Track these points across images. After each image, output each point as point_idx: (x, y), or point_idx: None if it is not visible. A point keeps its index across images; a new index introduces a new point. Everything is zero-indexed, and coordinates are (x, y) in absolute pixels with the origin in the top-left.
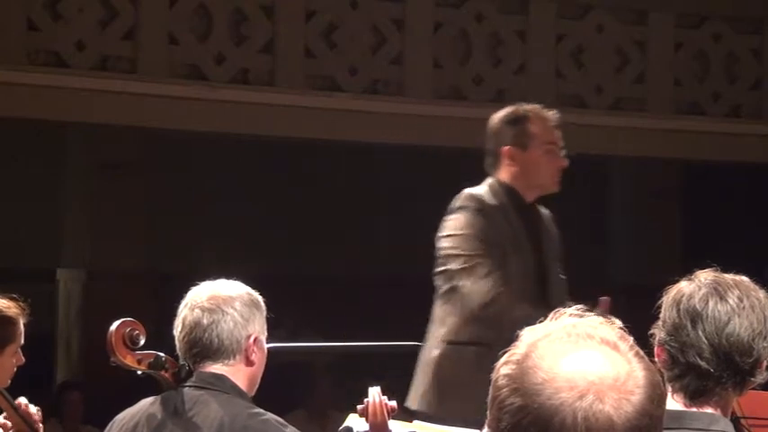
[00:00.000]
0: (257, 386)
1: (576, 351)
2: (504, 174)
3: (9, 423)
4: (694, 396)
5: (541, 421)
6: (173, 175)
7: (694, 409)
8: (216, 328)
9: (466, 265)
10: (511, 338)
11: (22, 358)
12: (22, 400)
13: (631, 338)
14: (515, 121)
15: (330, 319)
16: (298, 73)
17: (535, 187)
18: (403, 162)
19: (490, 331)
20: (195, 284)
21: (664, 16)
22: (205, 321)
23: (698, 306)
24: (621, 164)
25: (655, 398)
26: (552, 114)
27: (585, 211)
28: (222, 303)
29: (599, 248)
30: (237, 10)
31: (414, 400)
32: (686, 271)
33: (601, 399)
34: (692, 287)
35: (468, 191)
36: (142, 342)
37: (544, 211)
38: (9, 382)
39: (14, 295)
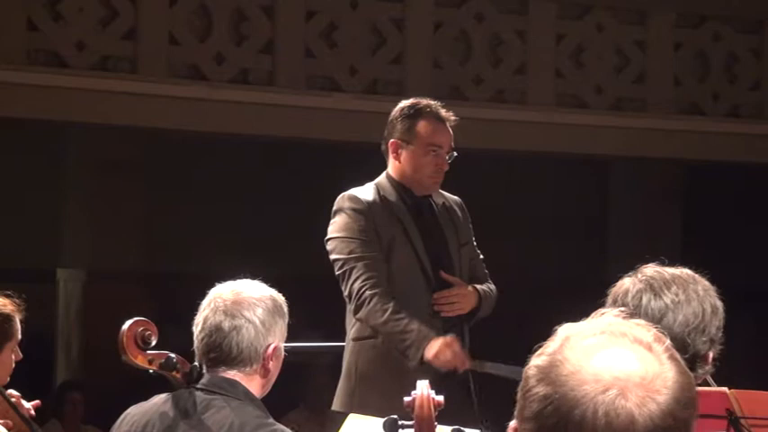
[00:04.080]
0: (268, 390)
1: (607, 348)
2: (392, 167)
3: (10, 423)
4: None
5: (562, 411)
6: (173, 175)
7: None
8: (236, 336)
9: (341, 272)
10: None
11: (20, 354)
12: (12, 392)
13: (668, 341)
14: (407, 116)
15: (331, 319)
16: (298, 73)
17: (415, 183)
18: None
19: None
20: (195, 284)
21: (664, 16)
22: (226, 327)
23: (631, 304)
24: (621, 164)
25: (683, 400)
26: (448, 115)
27: (585, 210)
28: (245, 309)
29: (599, 248)
30: (237, 10)
31: (334, 402)
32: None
33: (624, 395)
34: (629, 283)
35: (347, 192)
36: (154, 342)
37: (451, 197)
38: (8, 379)
39: (9, 292)
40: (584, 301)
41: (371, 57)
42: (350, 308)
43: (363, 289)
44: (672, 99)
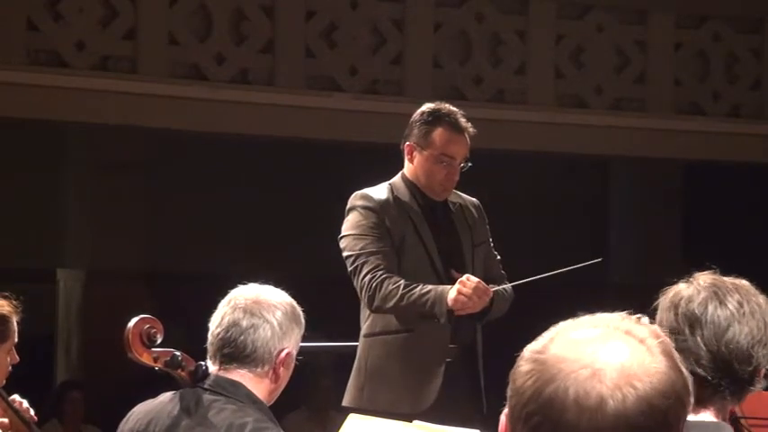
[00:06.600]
0: (276, 398)
1: (596, 337)
2: (406, 168)
3: (7, 421)
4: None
5: (537, 386)
6: (173, 175)
7: (691, 417)
8: (253, 334)
9: (352, 267)
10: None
11: (17, 357)
12: (17, 398)
13: (666, 338)
14: (425, 122)
15: (332, 320)
16: (298, 73)
17: (426, 188)
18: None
19: (398, 319)
20: (195, 284)
21: (664, 16)
22: (244, 324)
23: (697, 311)
24: (621, 164)
25: (663, 390)
26: (467, 125)
27: (585, 211)
28: (265, 309)
29: (599, 248)
30: (237, 10)
31: (344, 398)
32: (686, 271)
33: (600, 377)
34: (691, 290)
35: (359, 191)
36: (159, 340)
37: (468, 198)
38: (4, 381)
39: (7, 293)
40: (584, 302)
41: (371, 57)
42: (363, 301)
43: (374, 278)
44: (672, 99)
